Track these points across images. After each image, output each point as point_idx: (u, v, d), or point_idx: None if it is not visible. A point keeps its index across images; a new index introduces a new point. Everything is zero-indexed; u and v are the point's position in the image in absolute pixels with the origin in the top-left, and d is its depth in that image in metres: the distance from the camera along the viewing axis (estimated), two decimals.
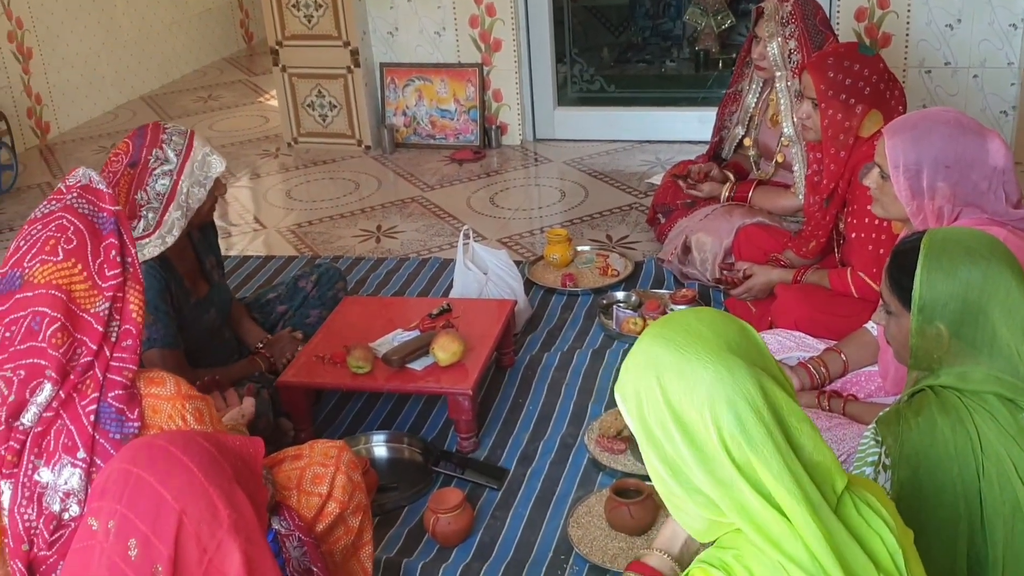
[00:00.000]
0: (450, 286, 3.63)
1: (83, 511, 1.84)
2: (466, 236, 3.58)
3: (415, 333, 3.05)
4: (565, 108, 5.59)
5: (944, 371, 1.75)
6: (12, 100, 5.92)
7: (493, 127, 5.44)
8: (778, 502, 1.32)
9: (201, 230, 3.00)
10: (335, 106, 5.57)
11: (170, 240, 2.65)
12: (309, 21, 5.41)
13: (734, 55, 3.90)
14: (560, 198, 4.77)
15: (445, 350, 2.86)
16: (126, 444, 1.72)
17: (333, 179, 5.25)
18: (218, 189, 2.80)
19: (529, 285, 3.77)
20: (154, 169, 2.64)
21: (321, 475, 2.20)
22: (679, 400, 1.36)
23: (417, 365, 2.90)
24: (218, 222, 4.71)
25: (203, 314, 2.92)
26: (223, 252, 4.33)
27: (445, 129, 5.51)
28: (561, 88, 5.63)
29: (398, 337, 3.04)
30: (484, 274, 3.48)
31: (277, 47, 5.54)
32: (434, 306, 3.23)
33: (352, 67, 5.43)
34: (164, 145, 2.67)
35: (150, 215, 2.62)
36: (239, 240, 4.59)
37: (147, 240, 2.62)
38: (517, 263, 3.80)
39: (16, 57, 5.99)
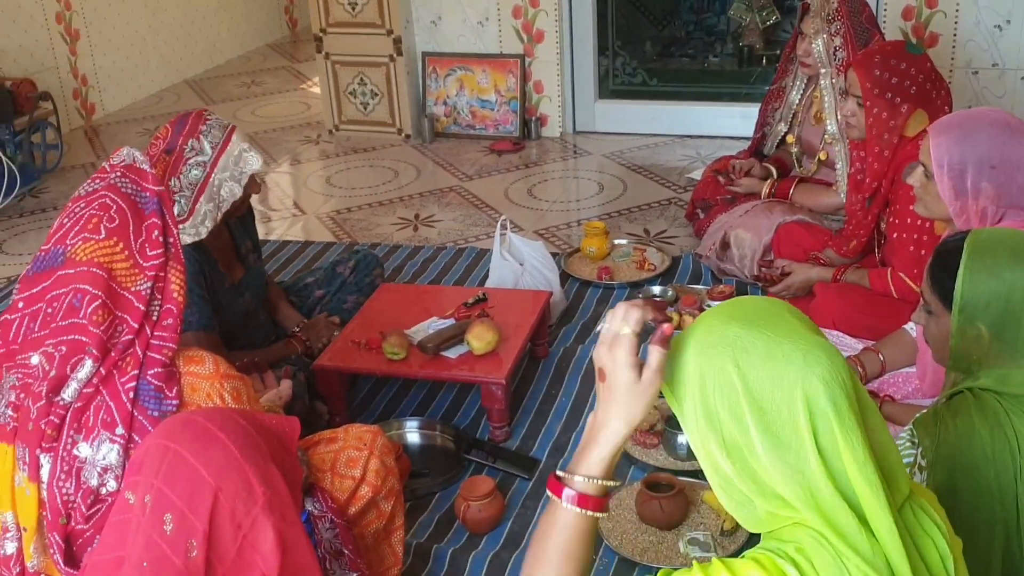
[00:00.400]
0: (486, 276, 3.64)
1: (120, 486, 1.87)
2: (503, 227, 3.58)
3: (450, 321, 3.06)
4: (606, 101, 5.57)
5: (983, 373, 1.73)
6: (59, 81, 6.00)
7: (533, 118, 5.44)
8: (856, 492, 1.28)
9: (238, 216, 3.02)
10: (376, 94, 5.59)
11: (203, 231, 2.64)
12: (353, 9, 5.43)
13: (778, 51, 3.87)
14: (598, 191, 4.76)
15: (480, 339, 2.87)
16: (164, 420, 1.74)
17: (373, 167, 5.27)
18: (253, 187, 2.76)
19: (565, 277, 3.77)
20: (189, 159, 2.63)
21: (355, 459, 2.22)
22: (761, 382, 1.28)
23: (451, 353, 2.91)
24: (258, 207, 4.78)
25: (238, 298, 2.95)
26: (262, 236, 4.39)
27: (485, 120, 5.51)
28: (602, 81, 5.61)
29: (433, 325, 3.06)
30: (520, 265, 3.49)
31: (321, 34, 5.57)
32: (470, 295, 3.24)
33: (394, 56, 5.45)
34: (201, 136, 2.64)
35: (183, 202, 2.62)
36: (279, 225, 4.63)
37: (180, 228, 2.62)
38: (553, 255, 3.80)
39: (63, 38, 6.06)
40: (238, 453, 1.59)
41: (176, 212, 2.61)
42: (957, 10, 4.59)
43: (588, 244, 3.90)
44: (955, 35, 4.63)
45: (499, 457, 2.81)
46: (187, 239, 2.62)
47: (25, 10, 5.74)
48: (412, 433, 2.94)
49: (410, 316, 3.11)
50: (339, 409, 2.93)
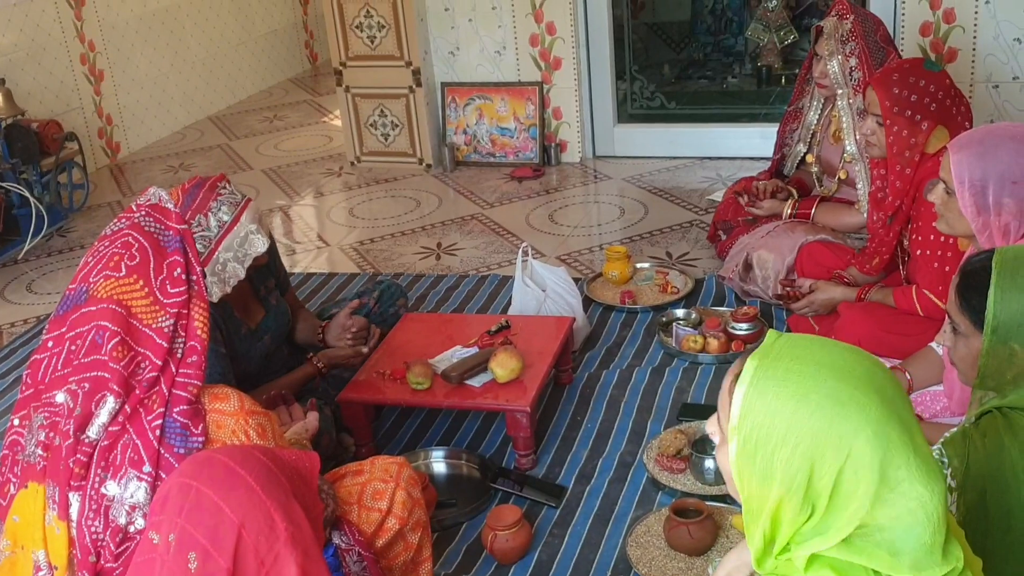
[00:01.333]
0: (509, 303, 3.64)
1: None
2: (525, 253, 3.59)
3: (474, 350, 3.06)
4: (625, 125, 5.58)
5: (1012, 392, 1.71)
6: (84, 121, 6.09)
7: (553, 145, 5.46)
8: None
9: None
10: (397, 125, 5.63)
11: (214, 297, 2.45)
12: (372, 42, 5.48)
13: (796, 71, 3.87)
14: (619, 215, 4.76)
15: (503, 367, 2.87)
16: (188, 458, 1.75)
17: (395, 197, 5.30)
18: (260, 258, 2.59)
19: (588, 302, 3.77)
20: (194, 233, 2.43)
21: (381, 491, 2.22)
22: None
23: (476, 382, 2.91)
24: (283, 240, 4.82)
25: (256, 343, 2.91)
26: (287, 268, 4.39)
27: (505, 147, 5.54)
28: (621, 105, 5.62)
29: (457, 354, 3.06)
30: (543, 291, 3.49)
31: (341, 67, 5.62)
32: (493, 323, 3.24)
33: (414, 87, 5.49)
34: (210, 213, 2.45)
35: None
36: (303, 257, 4.66)
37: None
38: (576, 280, 3.80)
39: (88, 79, 6.15)
40: (260, 490, 1.60)
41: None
42: (975, 24, 4.57)
43: (610, 269, 3.90)
44: (974, 49, 4.61)
45: (525, 485, 2.80)
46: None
47: (50, 52, 5.83)
48: (438, 463, 2.94)
49: (434, 345, 3.12)
50: (365, 440, 2.94)
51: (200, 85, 7.23)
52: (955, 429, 1.78)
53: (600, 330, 3.63)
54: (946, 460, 1.72)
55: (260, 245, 2.52)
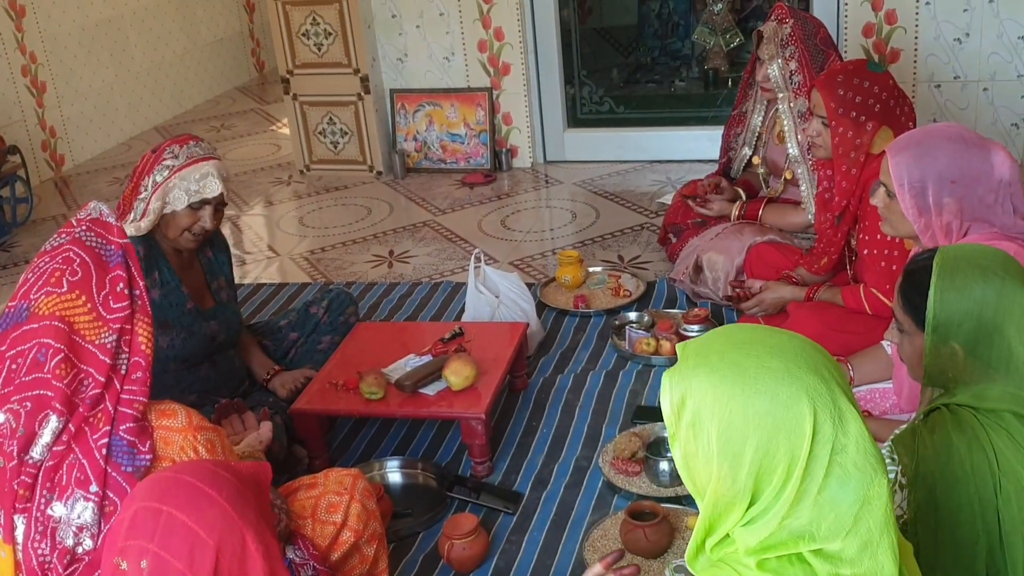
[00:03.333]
0: (462, 310, 3.63)
1: (96, 545, 1.84)
2: (477, 259, 3.58)
3: (427, 358, 3.05)
4: (575, 130, 5.60)
5: (959, 390, 1.74)
6: (27, 133, 5.98)
7: (503, 150, 5.46)
8: None
9: (213, 249, 3.05)
10: (346, 133, 5.60)
11: (144, 225, 2.75)
12: (319, 49, 5.44)
13: (743, 73, 3.92)
14: (571, 219, 4.78)
15: (457, 374, 2.86)
16: (144, 479, 1.71)
17: (345, 205, 5.27)
18: (203, 218, 2.83)
19: (541, 307, 3.77)
20: (164, 160, 2.76)
21: (336, 504, 2.20)
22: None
23: (430, 390, 2.90)
24: (232, 249, 4.74)
25: (203, 322, 2.95)
26: (238, 279, 4.37)
27: (456, 153, 5.53)
28: (570, 110, 5.63)
29: (411, 362, 3.04)
30: (496, 297, 3.48)
31: (288, 75, 5.58)
32: (446, 330, 3.23)
33: (362, 94, 5.46)
34: (184, 146, 2.80)
35: (140, 206, 2.76)
36: (253, 268, 4.61)
37: (127, 219, 2.78)
38: (529, 285, 3.80)
39: (30, 91, 6.05)
40: (231, 509, 1.58)
41: (132, 216, 2.75)
42: (917, 25, 4.64)
43: (563, 273, 3.90)
44: (916, 50, 4.68)
45: (482, 493, 2.79)
46: (131, 231, 2.73)
47: None
48: (393, 473, 2.92)
49: (387, 354, 3.10)
50: (319, 452, 2.91)
51: (145, 95, 7.14)
52: (904, 426, 1.80)
53: (554, 335, 3.64)
54: (895, 457, 1.74)
55: (214, 188, 2.79)
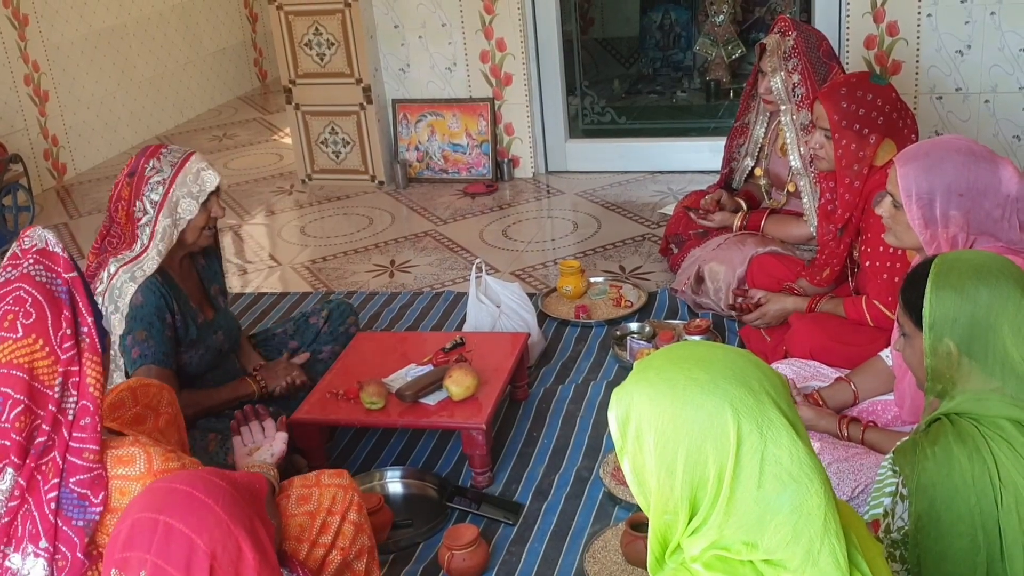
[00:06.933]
0: (463, 320, 3.63)
1: None
2: (478, 269, 3.58)
3: (429, 368, 3.05)
4: (576, 140, 5.61)
5: (959, 393, 1.74)
6: (29, 142, 5.99)
7: (505, 160, 5.46)
8: None
9: (205, 257, 3.04)
10: (348, 143, 5.61)
11: (163, 248, 2.73)
12: (322, 59, 5.46)
13: (744, 84, 3.92)
14: (572, 230, 4.78)
15: (458, 384, 2.86)
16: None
17: (347, 215, 5.27)
18: (214, 209, 2.83)
19: (542, 317, 3.76)
20: (150, 178, 2.74)
21: (328, 524, 2.17)
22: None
23: (431, 400, 2.89)
24: (234, 259, 4.77)
25: (211, 334, 2.96)
26: (239, 289, 4.38)
27: (457, 163, 5.53)
28: (572, 120, 5.65)
29: (411, 372, 3.04)
30: (497, 307, 3.48)
31: (290, 85, 5.59)
32: (447, 340, 3.22)
33: (364, 104, 5.47)
34: (161, 157, 2.78)
35: (146, 230, 2.73)
36: (254, 277, 4.61)
37: (144, 255, 2.73)
38: (530, 295, 3.80)
39: (33, 100, 6.06)
40: (227, 518, 1.58)
41: (139, 244, 2.71)
42: (918, 38, 4.65)
43: (564, 283, 3.90)
44: (917, 62, 4.69)
45: (482, 503, 2.78)
46: (153, 263, 2.71)
47: None
48: (394, 483, 2.91)
49: (388, 364, 3.10)
50: (319, 462, 2.90)
51: (148, 105, 7.15)
52: (906, 438, 1.80)
53: (555, 345, 3.63)
54: (897, 469, 1.74)
55: (212, 179, 2.78)
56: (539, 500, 2.80)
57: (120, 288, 2.71)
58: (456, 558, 2.49)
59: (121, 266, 2.73)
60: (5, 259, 1.89)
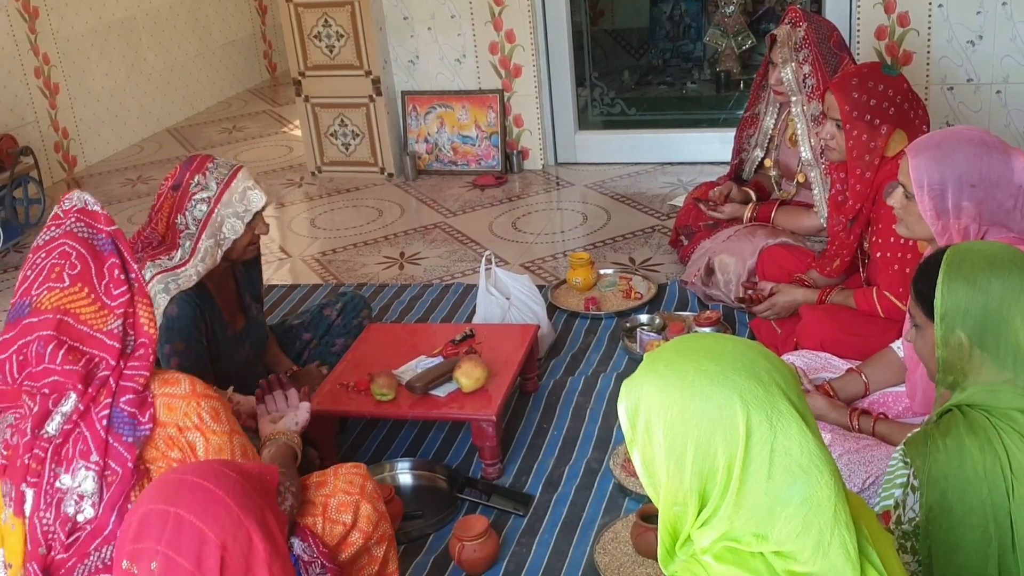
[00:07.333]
0: (473, 312, 3.63)
1: (97, 513, 1.87)
2: (488, 261, 3.58)
3: (439, 359, 3.05)
4: (586, 132, 5.60)
5: (970, 385, 1.73)
6: (40, 135, 6.01)
7: (515, 152, 5.46)
8: None
9: (245, 265, 3.01)
10: (358, 135, 5.61)
11: (202, 268, 2.66)
12: (331, 51, 5.45)
13: (755, 75, 3.91)
14: (582, 221, 4.77)
15: (468, 376, 2.86)
16: (152, 483, 1.72)
17: (356, 207, 5.28)
18: (259, 227, 2.80)
19: (552, 309, 3.76)
20: (194, 194, 2.68)
21: (346, 503, 2.19)
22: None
23: (441, 392, 2.90)
24: None
25: (238, 347, 2.95)
26: None
27: (467, 155, 5.53)
28: (582, 112, 5.64)
29: (422, 364, 3.04)
30: (507, 299, 3.48)
31: (300, 77, 5.59)
32: (457, 332, 3.23)
33: (374, 96, 5.47)
34: (208, 173, 2.71)
35: (187, 243, 2.65)
36: (265, 269, 4.58)
37: (182, 269, 2.65)
38: (540, 287, 3.80)
39: (43, 92, 6.07)
40: (238, 509, 1.60)
41: (180, 255, 2.65)
42: (929, 28, 4.63)
43: (574, 275, 3.90)
44: (928, 52, 4.67)
45: (492, 494, 2.79)
46: (191, 279, 2.65)
47: (3, 66, 5.75)
48: (404, 474, 2.92)
49: (398, 356, 3.10)
50: (329, 453, 2.91)
51: (158, 97, 7.16)
52: (917, 430, 1.79)
53: (565, 337, 3.63)
54: (908, 460, 1.73)
55: (258, 200, 2.72)
56: (549, 491, 2.81)
57: (153, 298, 2.67)
58: (467, 549, 2.50)
59: (157, 273, 2.62)
60: (48, 219, 2.03)
